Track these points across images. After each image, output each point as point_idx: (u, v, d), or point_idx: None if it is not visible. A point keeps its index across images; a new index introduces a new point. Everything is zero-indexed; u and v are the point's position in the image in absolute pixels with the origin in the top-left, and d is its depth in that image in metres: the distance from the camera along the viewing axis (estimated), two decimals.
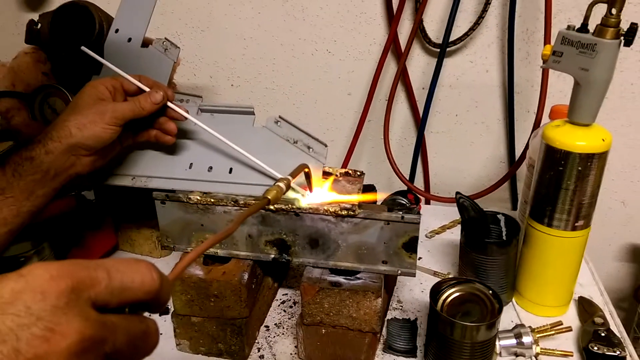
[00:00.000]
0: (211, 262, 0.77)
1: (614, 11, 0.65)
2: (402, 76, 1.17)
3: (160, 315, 0.85)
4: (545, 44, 1.04)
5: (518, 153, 1.19)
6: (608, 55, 0.66)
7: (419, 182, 1.26)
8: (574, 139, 0.72)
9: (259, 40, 1.23)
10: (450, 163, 1.25)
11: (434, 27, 1.13)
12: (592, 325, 0.78)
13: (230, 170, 0.75)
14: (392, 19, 1.11)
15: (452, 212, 1.12)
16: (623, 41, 0.66)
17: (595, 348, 0.73)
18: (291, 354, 0.77)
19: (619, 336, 0.76)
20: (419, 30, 1.12)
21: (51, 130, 0.66)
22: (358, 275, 0.72)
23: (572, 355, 0.74)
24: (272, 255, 0.74)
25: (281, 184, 0.59)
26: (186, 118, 0.72)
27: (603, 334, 0.76)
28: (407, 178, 1.20)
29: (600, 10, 0.67)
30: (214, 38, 1.24)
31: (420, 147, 1.18)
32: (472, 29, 1.09)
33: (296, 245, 0.73)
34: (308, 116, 1.28)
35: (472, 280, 0.71)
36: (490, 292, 0.69)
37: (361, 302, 0.69)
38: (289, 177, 0.62)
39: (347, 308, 0.70)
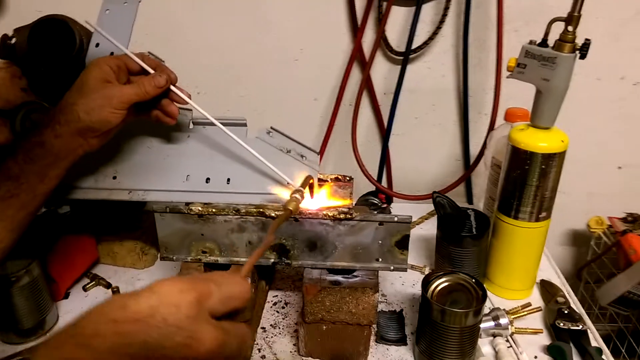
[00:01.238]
0: (210, 270, 0.79)
1: (570, 28, 0.75)
2: (366, 82, 1.23)
3: None
4: (497, 51, 1.15)
5: (472, 151, 1.30)
6: (566, 67, 0.76)
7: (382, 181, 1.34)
8: (536, 141, 0.81)
9: (224, 49, 1.25)
10: (411, 162, 1.33)
11: (394, 36, 1.21)
12: (555, 304, 0.88)
13: (228, 181, 0.78)
14: (357, 29, 1.18)
15: (417, 209, 1.21)
16: (579, 54, 0.76)
17: (562, 324, 0.83)
18: (291, 352, 0.82)
19: (579, 312, 0.87)
20: (381, 40, 1.19)
21: (59, 114, 0.67)
22: (355, 273, 0.77)
23: (542, 332, 0.84)
24: (272, 260, 0.79)
25: (297, 195, 0.64)
26: (187, 102, 0.74)
27: (566, 312, 0.86)
28: (375, 178, 1.27)
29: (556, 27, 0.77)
30: (179, 48, 1.24)
31: (386, 149, 1.25)
32: (431, 38, 1.17)
33: (295, 248, 0.77)
34: (275, 122, 1.31)
35: (457, 271, 0.78)
36: (474, 280, 0.77)
37: (360, 298, 0.75)
38: (301, 189, 0.66)
39: (347, 304, 0.75)
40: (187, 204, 0.76)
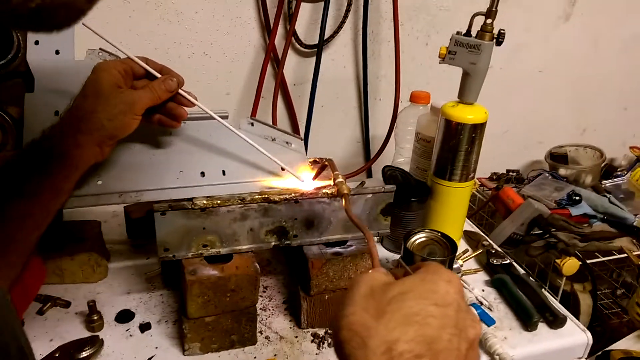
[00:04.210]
0: (211, 263, 0.80)
1: (489, 21, 0.93)
2: (277, 75, 1.30)
3: (142, 332, 0.83)
4: (395, 43, 1.31)
5: (372, 133, 1.46)
6: (487, 52, 0.94)
7: None
8: (465, 114, 0.98)
9: (130, 44, 1.19)
10: (320, 147, 1.44)
11: (300, 30, 1.29)
12: (483, 247, 1.08)
13: (224, 172, 0.80)
14: (267, 23, 1.23)
15: None
16: (495, 42, 0.94)
17: (494, 261, 1.03)
18: (290, 327, 0.87)
19: (499, 250, 1.08)
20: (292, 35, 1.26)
21: (79, 122, 0.63)
22: (349, 243, 0.85)
23: (482, 271, 1.03)
24: (273, 243, 0.82)
25: (340, 179, 0.70)
26: (195, 104, 0.73)
27: (493, 251, 1.06)
28: None
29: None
30: (79, 44, 1.15)
31: (308, 137, 1.34)
32: (336, 32, 1.29)
33: (294, 229, 0.82)
34: None
35: (426, 229, 0.91)
36: (439, 234, 0.91)
37: (359, 264, 0.83)
38: (337, 172, 0.73)
39: (348, 271, 0.83)
40: (190, 199, 0.75)
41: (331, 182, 0.84)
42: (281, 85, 1.32)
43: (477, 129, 0.99)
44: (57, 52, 0.80)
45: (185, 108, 0.75)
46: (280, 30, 1.27)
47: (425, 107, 1.20)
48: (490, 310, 0.93)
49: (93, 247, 0.93)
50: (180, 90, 0.72)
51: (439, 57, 0.97)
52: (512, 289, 0.95)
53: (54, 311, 0.87)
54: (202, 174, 0.79)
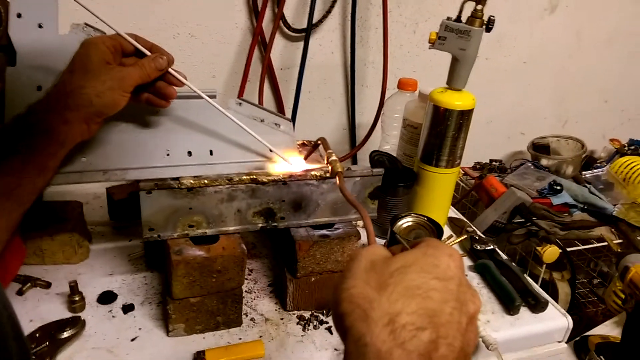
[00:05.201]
0: (197, 244, 0.79)
1: (479, 7, 0.93)
2: (264, 58, 1.29)
3: (125, 313, 0.82)
4: (384, 30, 1.31)
5: (358, 120, 1.45)
6: (477, 38, 0.94)
7: None
8: (453, 100, 0.98)
9: (113, 22, 1.16)
10: (306, 133, 1.43)
11: (288, 13, 1.28)
12: (467, 233, 1.09)
13: (211, 152, 0.78)
14: (255, 5, 1.22)
15: None
16: (485, 28, 0.94)
17: (478, 247, 1.04)
18: (275, 310, 0.87)
19: (483, 236, 1.09)
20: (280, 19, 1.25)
21: (65, 98, 0.61)
22: (336, 226, 0.85)
23: (466, 255, 1.04)
24: (260, 224, 0.82)
25: (334, 157, 0.70)
26: (184, 84, 0.72)
27: (477, 237, 1.07)
28: None
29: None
30: (63, 18, 1.12)
31: (295, 122, 1.33)
32: (325, 16, 1.28)
33: (282, 211, 0.82)
34: None
35: (412, 213, 0.92)
36: (425, 219, 0.91)
37: (346, 246, 0.83)
38: (330, 151, 0.72)
39: (335, 254, 0.83)
40: (177, 178, 0.74)
41: (320, 164, 0.84)
42: (268, 70, 1.31)
43: (465, 115, 0.99)
44: (40, 25, 0.77)
45: (174, 87, 0.73)
46: (268, 13, 1.25)
47: (412, 94, 1.20)
48: None
49: (74, 227, 0.91)
50: (170, 69, 0.71)
51: (429, 42, 0.97)
52: (495, 274, 0.96)
53: (34, 292, 0.85)
54: (189, 153, 0.78)
